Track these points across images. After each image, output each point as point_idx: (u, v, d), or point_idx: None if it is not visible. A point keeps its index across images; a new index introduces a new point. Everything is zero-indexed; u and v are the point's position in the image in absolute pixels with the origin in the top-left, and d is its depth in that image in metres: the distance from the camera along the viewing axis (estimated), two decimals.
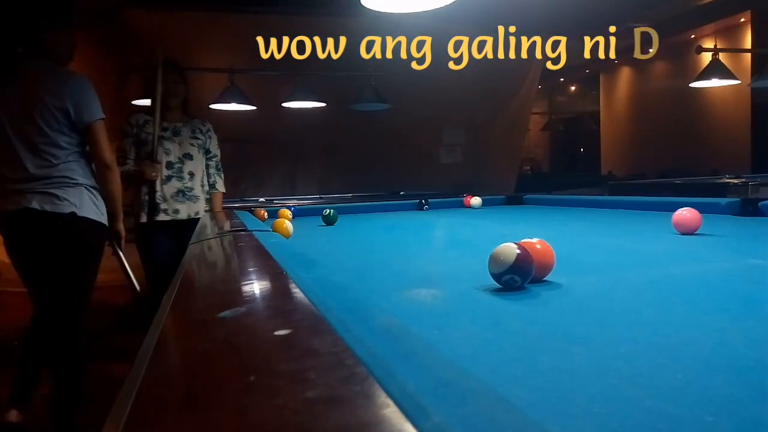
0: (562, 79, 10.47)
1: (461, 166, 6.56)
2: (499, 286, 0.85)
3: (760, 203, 1.79)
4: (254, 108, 4.62)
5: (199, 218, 2.67)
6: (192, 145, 2.70)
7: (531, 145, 10.12)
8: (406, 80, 5.44)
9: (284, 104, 4.71)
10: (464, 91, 5.71)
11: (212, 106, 4.53)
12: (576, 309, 0.77)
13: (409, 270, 1.18)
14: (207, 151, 2.81)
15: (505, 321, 0.71)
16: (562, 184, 5.96)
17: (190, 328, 0.57)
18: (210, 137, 2.82)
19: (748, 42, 6.48)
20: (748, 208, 1.81)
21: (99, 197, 2.11)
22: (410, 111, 5.62)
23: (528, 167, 9.35)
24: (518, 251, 0.84)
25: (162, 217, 2.63)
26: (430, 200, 2.88)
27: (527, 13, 5.78)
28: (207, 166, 2.80)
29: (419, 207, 2.83)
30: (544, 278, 0.91)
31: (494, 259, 0.85)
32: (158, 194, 2.63)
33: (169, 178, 2.65)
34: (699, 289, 0.87)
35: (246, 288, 0.72)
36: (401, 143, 5.95)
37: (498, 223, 2.11)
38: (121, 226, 2.23)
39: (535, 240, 0.92)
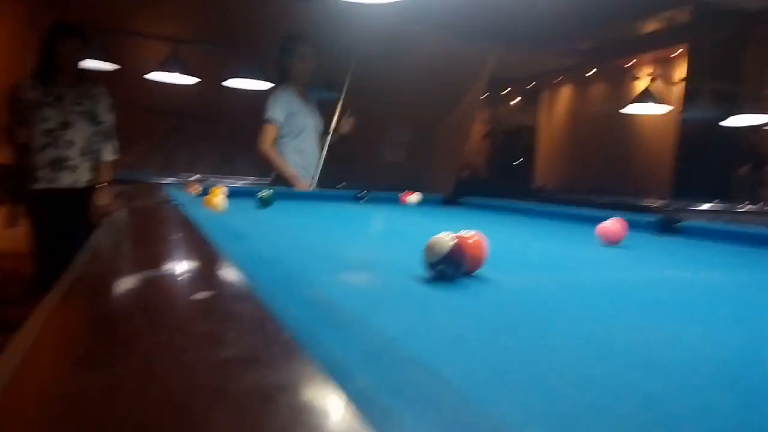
0: (506, 91, 10.74)
1: (403, 164, 6.60)
2: (431, 275, 0.85)
3: (679, 223, 1.89)
4: (196, 82, 4.45)
5: (81, 188, 2.70)
6: (73, 112, 2.62)
7: (471, 152, 10.32)
8: (355, 72, 5.42)
9: (227, 82, 4.57)
10: (413, 90, 5.75)
11: (150, 76, 4.32)
12: (506, 302, 0.77)
13: (344, 255, 1.15)
14: (94, 118, 2.69)
15: (435, 309, 0.70)
16: (498, 192, 6.12)
17: (100, 288, 0.52)
18: (98, 102, 2.71)
19: (682, 74, 6.87)
20: (669, 227, 1.91)
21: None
22: (357, 104, 5.59)
23: (467, 172, 9.52)
24: (453, 242, 0.83)
25: (39, 185, 2.59)
26: (367, 192, 2.86)
27: (484, 21, 5.89)
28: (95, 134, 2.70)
29: (356, 198, 2.81)
30: (476, 272, 0.91)
31: (429, 249, 0.84)
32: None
33: (44, 146, 2.58)
34: (622, 292, 0.90)
35: (166, 254, 0.67)
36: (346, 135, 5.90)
37: (435, 220, 2.13)
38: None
39: (470, 233, 0.92)
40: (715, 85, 5.06)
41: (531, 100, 10.50)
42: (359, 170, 6.01)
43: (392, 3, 2.62)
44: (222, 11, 5.26)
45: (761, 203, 5.16)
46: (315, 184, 3.15)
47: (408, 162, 6.64)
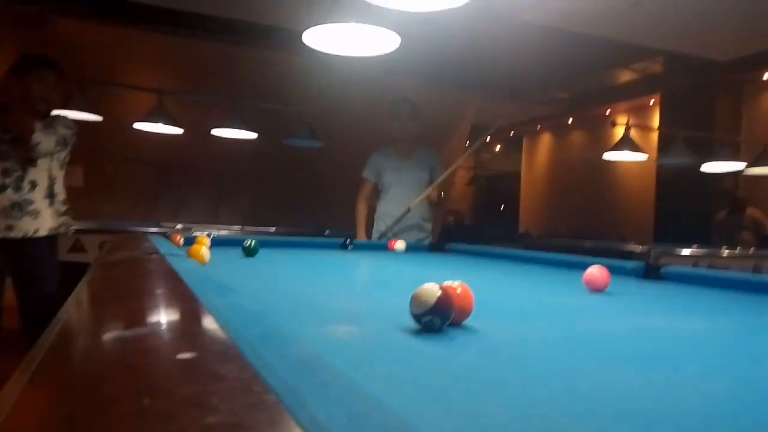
0: (488, 138, 10.95)
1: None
2: (418, 326, 0.84)
3: (662, 269, 1.91)
4: (181, 132, 4.49)
5: (42, 237, 2.42)
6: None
7: (456, 198, 10.43)
8: (341, 121, 5.51)
9: (214, 131, 4.61)
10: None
11: (137, 126, 4.35)
12: (493, 354, 0.77)
13: (329, 306, 1.15)
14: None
15: (422, 362, 0.70)
16: (483, 237, 6.16)
17: (82, 347, 0.52)
18: (52, 132, 2.46)
19: (656, 122, 7.09)
20: (652, 273, 1.93)
21: None
22: (343, 152, 5.66)
23: (452, 218, 9.59)
24: (439, 293, 0.83)
25: None
26: (355, 241, 2.86)
27: (464, 71, 6.07)
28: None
29: (343, 246, 2.81)
30: (463, 322, 0.91)
31: (416, 300, 0.84)
32: None
33: (2, 188, 2.33)
34: (606, 343, 0.90)
35: (150, 309, 0.67)
36: (331, 183, 5.95)
37: (421, 267, 2.13)
38: None
39: (456, 283, 0.92)
40: (688, 132, 5.22)
41: (514, 147, 10.71)
42: (342, 215, 6.03)
43: (374, 56, 2.69)
44: (206, 62, 5.36)
45: (739, 247, 5.24)
46: (381, 237, 3.40)
47: None
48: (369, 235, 3.53)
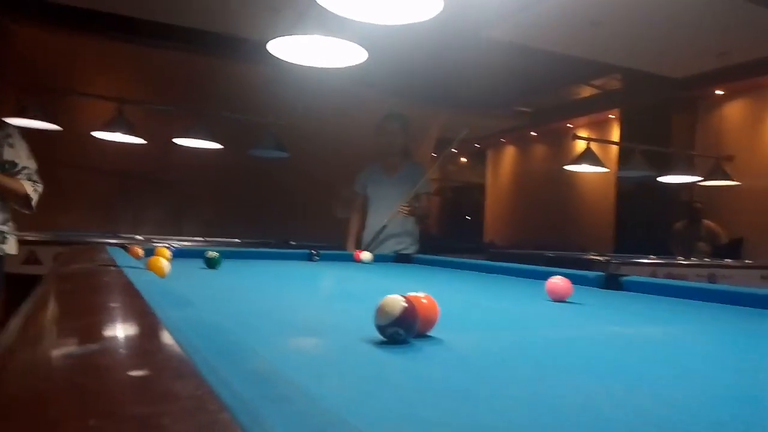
0: (454, 150, 11.07)
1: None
2: (383, 338, 0.83)
3: (622, 279, 1.95)
4: (143, 142, 4.39)
5: None
6: None
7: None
8: (307, 132, 5.49)
9: (177, 141, 4.52)
10: (364, 148, 5.85)
11: (96, 134, 4.24)
12: (458, 365, 0.77)
13: (293, 318, 1.13)
14: (10, 164, 2.35)
15: (387, 374, 0.69)
16: (448, 248, 6.20)
17: (26, 364, 0.49)
18: (11, 145, 2.35)
19: (616, 135, 7.29)
20: (612, 283, 1.96)
21: None
22: (308, 162, 5.64)
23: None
24: (404, 304, 0.83)
25: None
26: (321, 252, 2.84)
27: (430, 86, 6.14)
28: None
29: (309, 258, 2.78)
30: (428, 333, 0.91)
31: (380, 311, 0.83)
32: None
33: None
34: (569, 351, 0.91)
35: (103, 324, 0.64)
36: (297, 193, 5.91)
37: (386, 278, 2.12)
38: None
39: (421, 294, 0.92)
40: (646, 146, 5.39)
41: (478, 159, 10.85)
42: (309, 227, 5.99)
43: (340, 67, 2.69)
44: (168, 71, 5.28)
45: (695, 257, 5.41)
46: (365, 249, 3.34)
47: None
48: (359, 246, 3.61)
